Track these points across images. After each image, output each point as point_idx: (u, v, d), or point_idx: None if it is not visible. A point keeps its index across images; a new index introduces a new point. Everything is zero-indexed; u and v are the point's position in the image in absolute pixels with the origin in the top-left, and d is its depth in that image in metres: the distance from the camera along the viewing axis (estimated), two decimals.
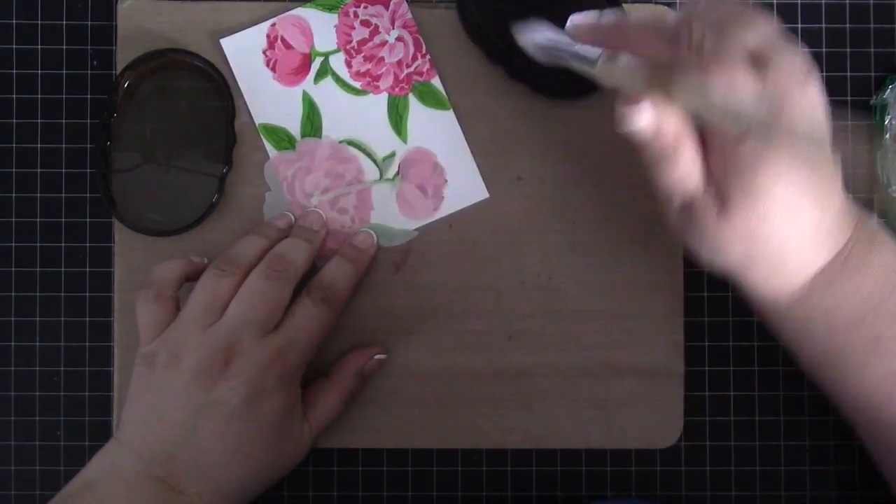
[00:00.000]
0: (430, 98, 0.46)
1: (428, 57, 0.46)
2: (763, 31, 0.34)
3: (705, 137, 0.36)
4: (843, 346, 0.38)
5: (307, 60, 0.46)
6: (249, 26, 0.46)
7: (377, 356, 0.46)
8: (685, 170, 0.36)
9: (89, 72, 0.47)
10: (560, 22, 0.40)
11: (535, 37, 0.42)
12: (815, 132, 0.35)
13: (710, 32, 0.34)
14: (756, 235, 0.36)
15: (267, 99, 0.46)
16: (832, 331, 0.38)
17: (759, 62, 0.34)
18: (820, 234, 0.36)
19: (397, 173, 0.46)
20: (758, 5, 0.37)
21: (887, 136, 0.46)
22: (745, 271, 0.38)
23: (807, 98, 0.34)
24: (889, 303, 0.37)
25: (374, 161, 0.47)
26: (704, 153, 0.36)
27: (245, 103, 0.46)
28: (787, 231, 0.36)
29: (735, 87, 0.33)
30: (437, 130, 0.47)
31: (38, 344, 0.47)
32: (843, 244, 0.37)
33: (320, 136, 0.46)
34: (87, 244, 0.47)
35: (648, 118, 0.34)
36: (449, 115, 0.47)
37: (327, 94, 0.46)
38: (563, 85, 0.45)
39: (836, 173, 0.37)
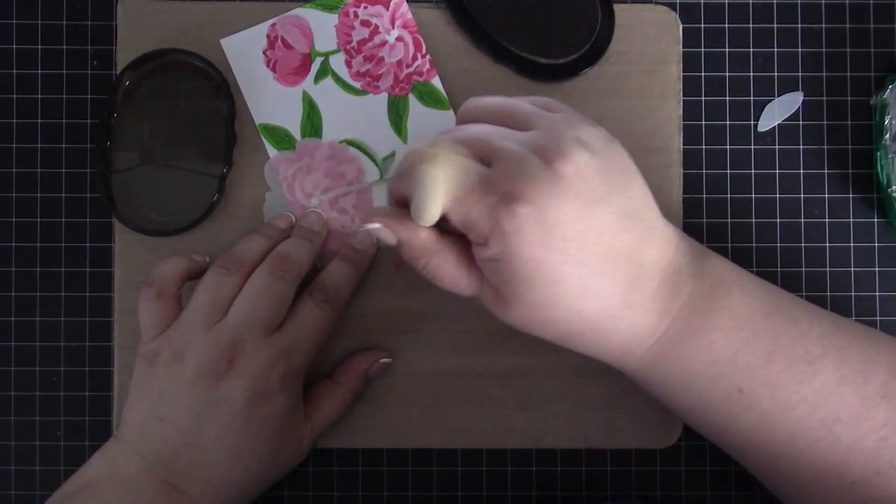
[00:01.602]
0: (430, 98, 0.46)
1: (428, 57, 0.46)
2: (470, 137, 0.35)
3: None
4: (705, 403, 0.37)
5: (307, 60, 0.46)
6: (249, 26, 0.46)
7: (383, 360, 0.46)
8: (450, 279, 0.37)
9: (89, 72, 0.47)
10: (552, 21, 0.40)
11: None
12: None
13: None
14: (552, 319, 0.35)
15: (267, 99, 0.46)
16: (692, 390, 0.37)
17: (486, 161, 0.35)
18: (640, 301, 0.35)
19: None
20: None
21: (887, 136, 0.46)
22: (576, 346, 0.37)
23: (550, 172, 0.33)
24: (744, 355, 0.36)
25: (374, 161, 0.47)
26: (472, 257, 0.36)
27: (245, 103, 0.46)
28: (583, 310, 0.35)
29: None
30: (437, 130, 0.46)
31: (38, 344, 0.47)
32: (684, 302, 0.36)
33: (320, 136, 0.46)
34: (87, 244, 0.47)
35: (375, 226, 0.36)
36: (449, 115, 0.47)
37: (327, 95, 0.46)
38: (556, 69, 0.46)
39: (647, 232, 0.35)
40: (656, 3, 0.47)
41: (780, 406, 0.36)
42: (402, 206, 0.37)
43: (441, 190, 0.34)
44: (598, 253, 0.34)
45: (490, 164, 0.34)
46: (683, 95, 0.47)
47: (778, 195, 0.47)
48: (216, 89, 0.46)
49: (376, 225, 0.36)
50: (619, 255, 0.34)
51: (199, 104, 0.46)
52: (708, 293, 0.36)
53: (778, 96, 0.48)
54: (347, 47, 0.46)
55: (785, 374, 0.36)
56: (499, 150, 0.34)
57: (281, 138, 0.46)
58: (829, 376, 0.36)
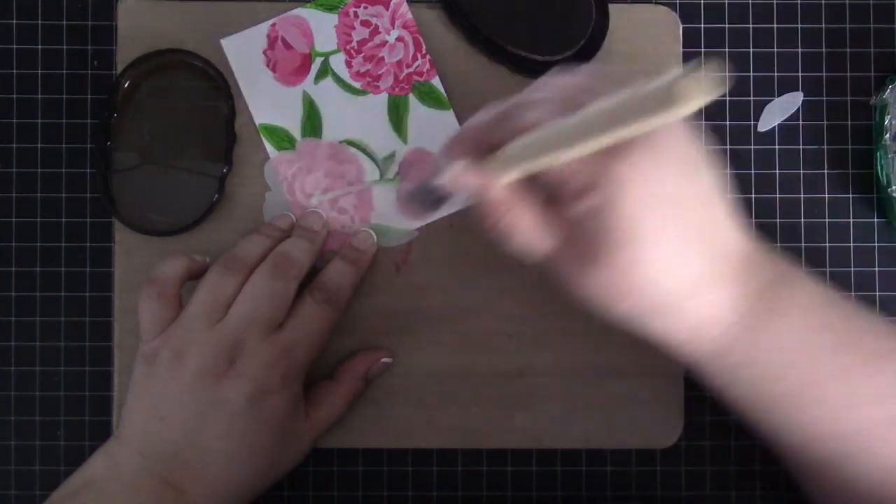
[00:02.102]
0: (430, 98, 0.46)
1: (428, 57, 0.46)
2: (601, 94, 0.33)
3: (556, 200, 0.35)
4: (774, 393, 0.36)
5: (307, 60, 0.46)
6: (249, 26, 0.46)
7: (383, 360, 0.46)
8: (527, 235, 0.35)
9: (89, 72, 0.47)
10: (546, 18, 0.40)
11: (403, 190, 0.43)
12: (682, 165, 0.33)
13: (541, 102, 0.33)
14: (633, 287, 0.33)
15: (267, 99, 0.46)
16: (760, 381, 0.36)
17: None
18: (718, 280, 0.34)
19: (397, 173, 0.46)
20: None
21: (887, 136, 0.46)
22: (643, 324, 0.35)
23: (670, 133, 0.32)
24: (816, 344, 0.35)
25: (375, 161, 0.47)
26: (556, 213, 0.35)
27: (245, 103, 0.46)
28: (668, 278, 0.33)
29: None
30: (437, 130, 0.47)
31: (38, 344, 0.47)
32: (757, 288, 0.35)
33: (320, 137, 0.46)
34: (87, 244, 0.47)
35: (456, 175, 0.34)
36: (449, 115, 0.47)
37: (327, 95, 0.46)
38: (552, 67, 0.46)
39: (725, 216, 0.34)
40: (656, 3, 0.47)
41: (847, 399, 0.35)
42: (479, 154, 0.34)
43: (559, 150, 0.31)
44: (694, 222, 0.33)
45: None
46: None
47: (778, 195, 0.47)
48: (216, 89, 0.46)
49: (460, 167, 0.34)
50: (710, 229, 0.34)
51: (199, 104, 0.46)
52: (778, 281, 0.35)
53: (778, 96, 0.48)
54: (347, 47, 0.46)
55: (854, 366, 0.35)
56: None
57: (281, 138, 0.46)
58: None
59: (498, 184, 0.34)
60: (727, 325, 0.35)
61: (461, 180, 0.34)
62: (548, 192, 0.35)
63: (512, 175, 0.34)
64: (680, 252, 0.33)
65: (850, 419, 0.35)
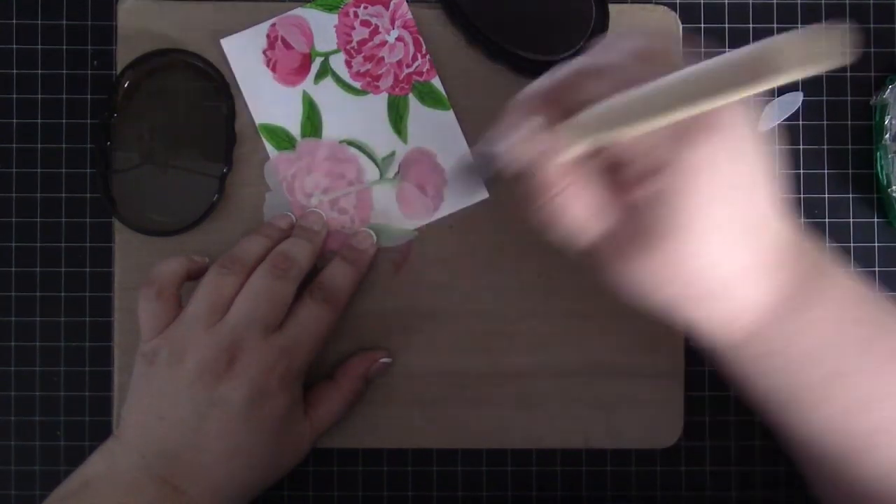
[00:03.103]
0: (430, 98, 0.46)
1: (428, 57, 0.46)
2: (672, 60, 0.32)
3: (615, 179, 0.34)
4: (799, 383, 0.36)
5: (307, 60, 0.46)
6: (249, 26, 0.46)
7: (383, 360, 0.46)
8: (580, 214, 0.34)
9: (89, 72, 0.47)
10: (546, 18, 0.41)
11: (460, 164, 0.42)
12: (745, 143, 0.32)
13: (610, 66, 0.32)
14: (684, 273, 0.33)
15: (267, 99, 0.46)
16: (788, 369, 0.36)
17: None
18: (762, 267, 0.34)
19: (397, 173, 0.46)
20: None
21: (887, 136, 0.46)
22: (683, 311, 0.35)
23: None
24: (848, 337, 0.35)
25: (374, 161, 0.47)
26: (613, 194, 0.34)
27: (245, 103, 0.46)
28: (721, 266, 0.33)
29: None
30: (437, 130, 0.47)
31: (38, 344, 0.47)
32: (793, 277, 0.35)
33: (320, 136, 0.46)
34: (87, 244, 0.47)
35: (524, 139, 0.32)
36: (449, 115, 0.47)
37: (327, 94, 0.46)
38: (551, 66, 0.46)
39: (771, 202, 0.34)
40: (656, 3, 0.47)
41: (869, 396, 0.35)
42: (547, 117, 0.33)
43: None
44: (748, 212, 0.33)
45: None
46: None
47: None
48: (216, 89, 0.46)
49: (528, 130, 0.32)
50: (759, 218, 0.33)
51: (199, 104, 0.46)
52: (813, 274, 0.35)
53: (778, 96, 0.48)
54: (347, 47, 0.46)
55: (881, 363, 0.35)
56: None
57: (281, 138, 0.46)
58: None
59: (565, 154, 0.32)
60: (761, 313, 0.35)
61: (527, 146, 0.32)
62: (605, 174, 0.34)
63: (581, 146, 0.32)
64: (733, 242, 0.33)
65: (867, 417, 0.35)
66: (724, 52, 0.27)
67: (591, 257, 0.35)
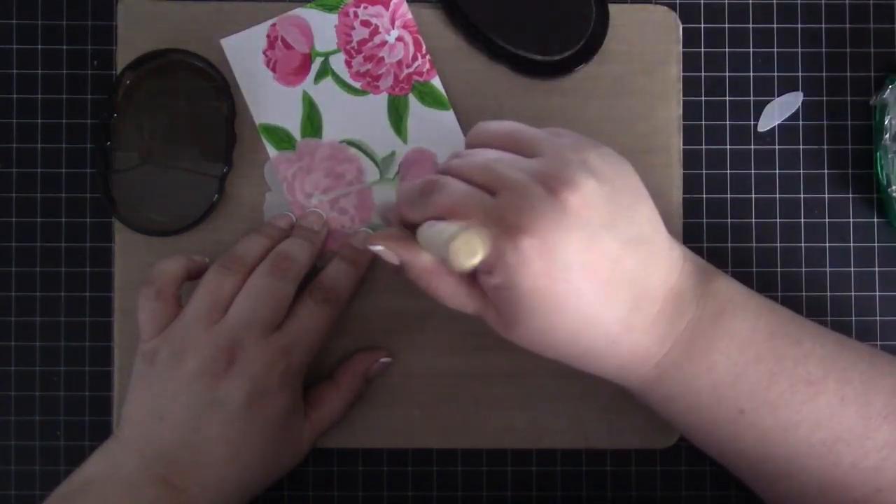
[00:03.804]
0: (430, 98, 0.46)
1: (428, 57, 0.46)
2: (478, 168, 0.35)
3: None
4: (707, 422, 0.37)
5: (307, 60, 0.46)
6: (249, 26, 0.46)
7: (383, 359, 0.46)
8: (452, 299, 0.37)
9: (89, 72, 0.47)
10: (546, 18, 0.41)
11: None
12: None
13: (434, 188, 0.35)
14: (554, 344, 0.35)
15: (267, 99, 0.46)
16: (693, 410, 0.37)
17: (491, 191, 0.34)
18: (641, 324, 0.35)
19: (397, 173, 0.47)
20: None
21: (887, 136, 0.46)
22: (580, 365, 0.37)
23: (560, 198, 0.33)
24: (747, 376, 0.36)
25: (374, 161, 0.47)
26: (473, 282, 0.36)
27: (245, 103, 0.46)
28: (583, 336, 0.35)
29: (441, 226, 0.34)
30: (437, 130, 0.47)
31: (38, 344, 0.47)
32: (688, 324, 0.36)
33: (320, 136, 0.46)
34: (87, 244, 0.47)
35: (380, 248, 0.36)
36: (449, 115, 0.47)
37: (327, 95, 0.46)
38: (551, 66, 0.46)
39: (651, 258, 0.35)
40: (656, 3, 0.47)
41: (781, 426, 0.36)
42: (405, 226, 0.37)
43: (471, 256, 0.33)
44: (601, 281, 0.34)
45: (495, 195, 0.34)
46: (683, 95, 0.47)
47: (778, 195, 0.47)
48: (216, 89, 0.46)
49: (380, 247, 0.36)
50: (623, 282, 0.34)
51: (199, 104, 0.46)
52: (711, 316, 0.36)
53: (778, 96, 0.48)
54: (347, 47, 0.46)
55: (787, 394, 0.36)
56: (504, 179, 0.34)
57: (281, 138, 0.46)
58: (832, 397, 0.36)
59: (418, 257, 0.36)
60: (656, 361, 0.36)
61: (385, 257, 0.37)
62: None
63: (427, 254, 0.36)
64: (600, 305, 0.34)
65: (786, 443, 0.36)
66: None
67: (482, 321, 0.37)
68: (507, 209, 0.33)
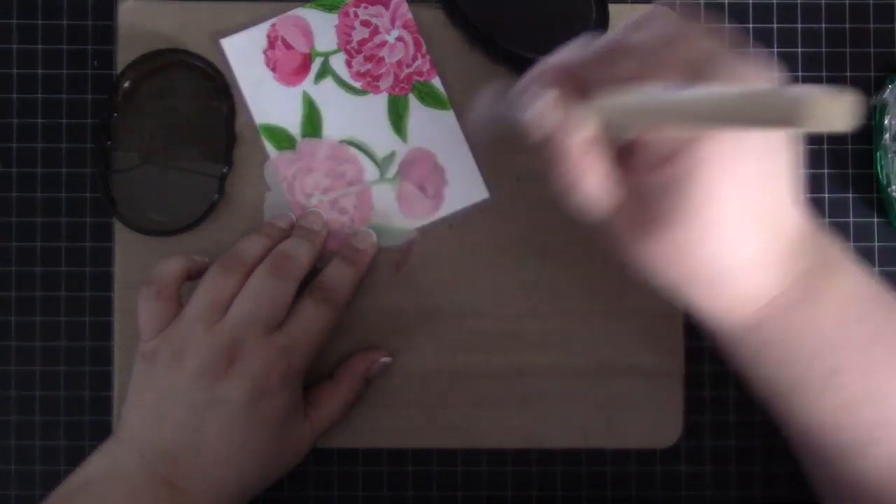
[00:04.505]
0: (430, 98, 0.46)
1: (428, 57, 0.46)
2: (701, 46, 0.32)
3: (629, 159, 0.34)
4: (799, 376, 0.36)
5: (307, 60, 0.46)
6: (249, 26, 0.46)
7: (383, 359, 0.46)
8: (595, 187, 0.33)
9: (89, 72, 0.47)
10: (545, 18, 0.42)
11: (477, 113, 0.42)
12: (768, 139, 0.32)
13: (643, 47, 0.32)
14: (692, 259, 0.33)
15: (267, 99, 0.46)
16: (788, 361, 0.36)
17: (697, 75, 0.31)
18: (771, 260, 0.34)
19: (397, 173, 0.47)
20: (710, 20, 0.34)
21: (887, 136, 0.46)
22: (686, 293, 0.35)
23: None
24: (849, 334, 0.35)
25: (374, 161, 0.47)
26: (627, 173, 0.33)
27: (245, 103, 0.46)
28: (728, 255, 0.33)
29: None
30: (437, 130, 0.47)
31: (38, 344, 0.47)
32: (803, 270, 0.35)
33: (320, 136, 0.46)
34: (87, 244, 0.47)
35: (543, 110, 0.33)
36: (449, 115, 0.47)
37: (327, 95, 0.46)
38: None
39: (789, 194, 0.34)
40: (656, 3, 0.47)
41: (870, 393, 0.35)
42: (570, 90, 0.33)
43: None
44: (764, 202, 0.33)
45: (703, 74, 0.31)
46: None
47: None
48: (216, 89, 0.46)
49: (548, 101, 0.32)
50: (775, 209, 0.33)
51: (199, 104, 0.46)
52: (824, 266, 0.35)
53: None
54: (347, 47, 0.46)
55: (883, 362, 0.35)
56: (701, 49, 0.31)
57: (281, 138, 0.46)
58: None
59: (579, 133, 0.32)
60: (766, 303, 0.35)
61: (547, 117, 0.33)
62: (621, 152, 0.34)
63: (598, 126, 0.32)
64: (746, 231, 0.33)
65: (869, 412, 0.35)
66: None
67: (604, 231, 0.35)
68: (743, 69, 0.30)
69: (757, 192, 0.32)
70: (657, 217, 0.33)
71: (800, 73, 0.48)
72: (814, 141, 0.48)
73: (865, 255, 0.47)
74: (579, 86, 0.33)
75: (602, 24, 0.46)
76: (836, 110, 0.25)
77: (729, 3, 0.48)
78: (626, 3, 0.47)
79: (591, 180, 0.33)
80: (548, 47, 0.46)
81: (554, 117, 0.32)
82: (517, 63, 0.46)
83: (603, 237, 0.35)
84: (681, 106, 0.30)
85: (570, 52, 0.34)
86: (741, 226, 0.33)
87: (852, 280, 0.36)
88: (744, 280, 0.34)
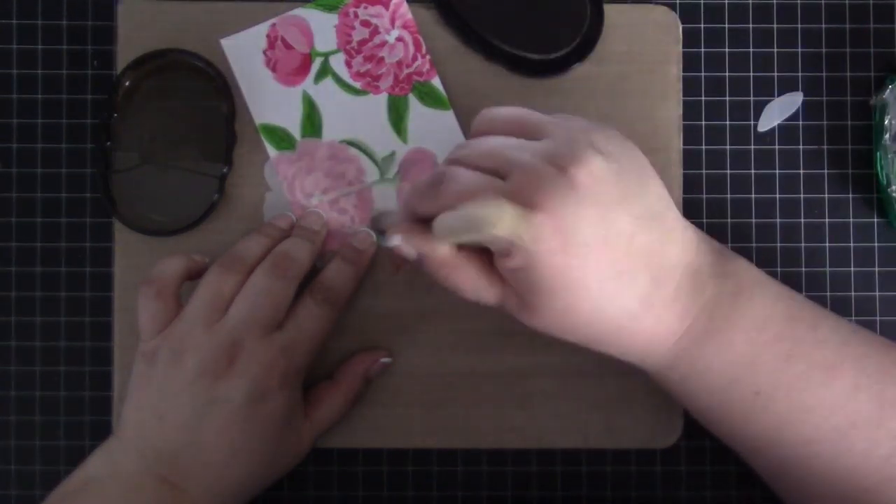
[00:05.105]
0: (430, 98, 0.47)
1: (428, 57, 0.46)
2: (490, 151, 0.35)
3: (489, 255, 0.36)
4: (725, 402, 0.37)
5: (307, 61, 0.46)
6: (249, 26, 0.46)
7: (383, 359, 0.46)
8: (472, 290, 0.36)
9: (89, 72, 0.47)
10: (540, 17, 0.43)
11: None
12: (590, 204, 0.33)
13: (447, 177, 0.35)
14: (579, 322, 0.35)
15: (267, 99, 0.46)
16: (710, 389, 0.37)
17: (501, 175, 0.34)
18: (662, 300, 0.35)
19: (397, 173, 0.47)
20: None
21: (887, 136, 0.46)
22: (597, 347, 0.37)
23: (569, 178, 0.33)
24: (764, 355, 0.36)
25: (375, 161, 0.47)
26: (492, 268, 0.36)
27: (245, 103, 0.46)
28: (609, 311, 0.35)
29: (475, 209, 0.33)
30: (437, 130, 0.47)
31: (38, 344, 0.47)
32: (702, 304, 0.36)
33: (320, 136, 0.46)
34: (87, 244, 0.47)
35: (397, 242, 0.36)
36: (449, 115, 0.47)
37: (327, 95, 0.46)
38: (547, 65, 0.46)
39: (673, 229, 0.35)
40: (656, 3, 0.47)
41: (796, 410, 0.36)
42: (419, 221, 0.37)
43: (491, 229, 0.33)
44: (618, 257, 0.34)
45: (505, 178, 0.34)
46: (683, 95, 0.47)
47: (778, 195, 0.47)
48: (216, 89, 0.46)
49: (398, 241, 0.36)
50: (639, 257, 0.34)
51: (199, 104, 0.46)
52: (729, 294, 0.36)
53: (778, 96, 0.48)
54: (347, 47, 0.46)
55: (803, 378, 0.36)
56: (513, 162, 0.34)
57: (281, 138, 0.46)
58: (847, 383, 0.36)
59: (437, 249, 0.35)
60: (676, 339, 0.36)
61: (403, 251, 0.36)
62: (480, 252, 0.36)
63: (447, 242, 0.36)
64: (617, 282, 0.34)
65: (799, 428, 0.36)
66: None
67: (503, 312, 0.37)
68: (518, 189, 0.33)
69: (613, 246, 0.34)
70: (529, 297, 0.35)
71: (799, 74, 0.48)
72: (814, 141, 0.48)
73: (865, 255, 0.47)
74: (423, 217, 0.36)
75: (597, 21, 0.46)
76: (510, 219, 0.32)
77: (729, 4, 0.48)
78: (626, 2, 0.47)
79: (467, 282, 0.36)
80: (543, 46, 0.46)
81: (411, 248, 0.36)
82: (513, 62, 0.46)
83: (508, 314, 0.37)
84: (440, 227, 0.35)
85: (416, 184, 0.37)
86: (606, 281, 0.34)
87: (763, 303, 0.37)
88: (642, 326, 0.35)
